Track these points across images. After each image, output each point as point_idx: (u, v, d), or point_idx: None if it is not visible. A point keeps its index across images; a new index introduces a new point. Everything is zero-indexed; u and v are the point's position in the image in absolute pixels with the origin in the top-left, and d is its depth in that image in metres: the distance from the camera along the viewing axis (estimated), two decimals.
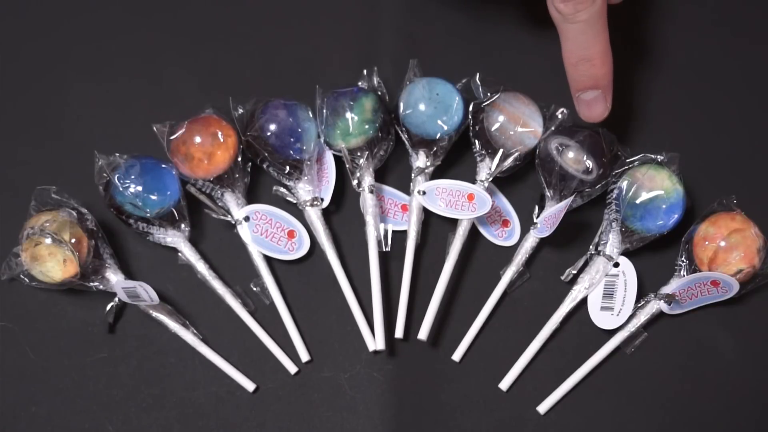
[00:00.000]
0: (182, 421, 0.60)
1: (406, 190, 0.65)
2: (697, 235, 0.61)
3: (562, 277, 0.63)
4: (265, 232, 0.62)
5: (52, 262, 0.59)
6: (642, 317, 0.61)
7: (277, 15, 0.71)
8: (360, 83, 0.65)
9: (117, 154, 0.62)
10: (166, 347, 0.61)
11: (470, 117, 0.64)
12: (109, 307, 0.60)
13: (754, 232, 0.61)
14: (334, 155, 0.64)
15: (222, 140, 0.62)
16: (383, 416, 0.60)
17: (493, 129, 0.63)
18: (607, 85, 0.61)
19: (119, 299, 0.60)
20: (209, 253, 0.63)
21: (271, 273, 0.62)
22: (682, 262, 0.62)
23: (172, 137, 0.62)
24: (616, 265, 0.62)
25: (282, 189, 0.63)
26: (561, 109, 0.64)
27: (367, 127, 0.63)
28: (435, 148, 0.63)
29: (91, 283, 0.60)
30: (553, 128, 0.64)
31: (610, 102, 0.61)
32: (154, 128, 0.63)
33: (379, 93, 0.65)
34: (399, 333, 0.60)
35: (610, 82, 0.61)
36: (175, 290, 0.63)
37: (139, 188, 0.61)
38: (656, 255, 0.63)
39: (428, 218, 0.64)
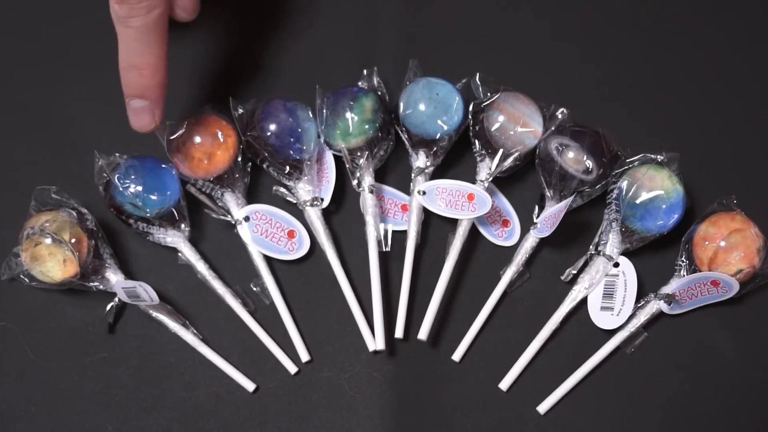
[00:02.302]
0: (182, 421, 0.60)
1: (406, 190, 0.65)
2: (697, 235, 0.61)
3: (562, 277, 0.63)
4: (265, 232, 0.62)
5: (52, 262, 0.59)
6: (642, 317, 0.61)
7: (277, 15, 0.71)
8: (360, 83, 0.65)
9: (117, 154, 0.62)
10: (166, 347, 0.61)
11: (470, 117, 0.64)
12: (109, 307, 0.60)
13: (754, 232, 0.61)
14: (334, 155, 0.64)
15: (222, 140, 0.62)
16: (383, 416, 0.60)
17: (493, 129, 0.63)
18: (156, 98, 0.58)
19: (119, 299, 0.60)
20: (209, 253, 0.63)
21: (271, 273, 0.62)
22: (682, 262, 0.62)
23: (172, 137, 0.62)
24: (616, 265, 0.62)
25: (282, 189, 0.63)
26: (561, 109, 0.64)
27: (367, 127, 0.63)
28: (435, 148, 0.63)
29: (91, 283, 0.60)
30: (553, 128, 0.64)
31: (158, 115, 0.59)
32: None
33: (379, 93, 0.65)
34: (399, 333, 0.60)
35: (160, 95, 0.59)
36: (175, 290, 0.63)
37: (139, 188, 0.61)
38: (656, 255, 0.63)
39: (428, 218, 0.64)
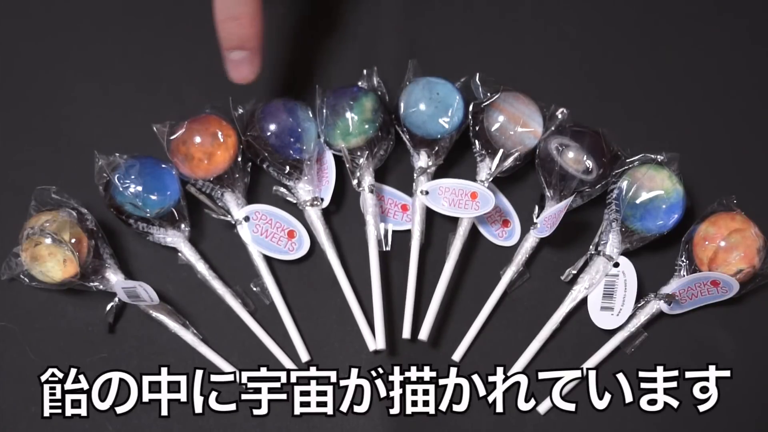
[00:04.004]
0: (182, 421, 0.59)
1: (407, 190, 0.65)
2: (697, 235, 0.61)
3: (562, 277, 0.63)
4: (265, 232, 0.62)
5: (52, 262, 0.59)
6: (642, 317, 0.61)
7: (276, 15, 0.71)
8: (360, 83, 0.65)
9: (117, 154, 0.62)
10: (166, 347, 0.61)
11: (470, 117, 0.64)
12: (109, 307, 0.60)
13: (754, 232, 0.61)
14: (334, 155, 0.64)
15: (222, 140, 0.62)
16: (383, 416, 0.60)
17: (493, 129, 0.63)
18: (255, 48, 0.59)
19: (119, 299, 0.60)
20: (209, 253, 0.63)
21: (271, 273, 0.62)
22: (682, 262, 0.62)
23: (172, 137, 0.62)
24: (616, 265, 0.62)
25: (282, 189, 0.63)
26: (561, 109, 0.64)
27: (367, 127, 0.63)
28: (436, 148, 0.63)
29: (91, 283, 0.60)
30: (553, 128, 0.64)
31: (257, 65, 0.59)
32: (154, 128, 0.63)
33: (379, 93, 0.65)
34: (406, 333, 0.60)
35: (259, 45, 0.59)
36: (175, 290, 0.63)
37: (139, 188, 0.61)
38: (656, 255, 0.63)
39: (429, 218, 0.64)
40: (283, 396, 0.60)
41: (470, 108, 0.64)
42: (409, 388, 0.60)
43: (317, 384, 0.60)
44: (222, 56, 0.60)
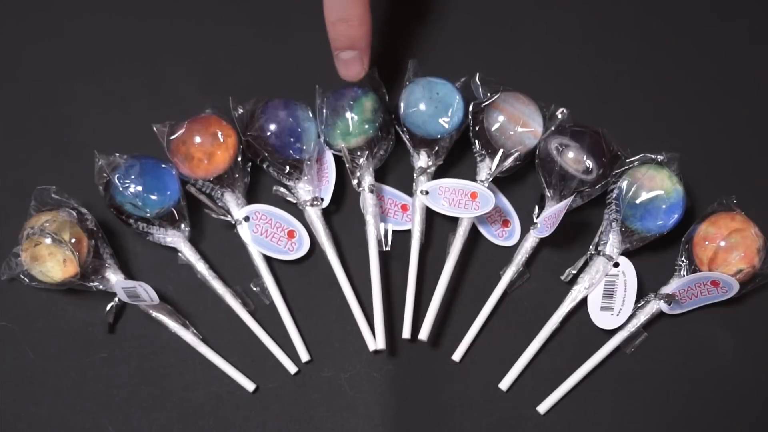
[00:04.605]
0: (182, 421, 0.60)
1: (407, 190, 0.65)
2: (697, 235, 0.61)
3: (562, 277, 0.63)
4: (265, 232, 0.62)
5: (52, 262, 0.59)
6: (642, 317, 0.61)
7: (276, 15, 0.71)
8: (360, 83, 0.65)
9: (117, 154, 0.62)
10: (166, 347, 0.61)
11: (470, 117, 0.64)
12: (109, 307, 0.60)
13: (754, 232, 0.61)
14: (334, 155, 0.64)
15: (222, 140, 0.62)
16: (383, 416, 0.60)
17: (493, 129, 0.63)
18: (364, 47, 0.62)
19: (119, 299, 0.60)
20: (209, 253, 0.63)
21: (271, 273, 0.62)
22: (682, 262, 0.62)
23: (172, 137, 0.62)
24: (616, 265, 0.62)
25: (282, 189, 0.63)
26: (561, 109, 0.64)
27: (367, 126, 0.63)
28: (436, 148, 0.63)
29: (91, 283, 0.60)
30: (553, 128, 0.64)
31: (367, 63, 0.63)
32: (154, 128, 0.63)
33: (379, 93, 0.65)
34: (406, 333, 0.60)
35: (368, 45, 0.62)
36: (175, 290, 0.63)
37: (139, 188, 0.61)
38: (656, 255, 0.63)
39: (429, 218, 0.64)
40: (283, 396, 0.60)
41: (470, 108, 0.64)
42: (409, 388, 0.61)
43: (317, 384, 0.61)
44: (332, 56, 0.63)
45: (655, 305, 0.61)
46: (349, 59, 0.62)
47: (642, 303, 0.62)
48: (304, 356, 0.61)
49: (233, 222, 0.63)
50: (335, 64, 0.63)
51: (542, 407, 0.60)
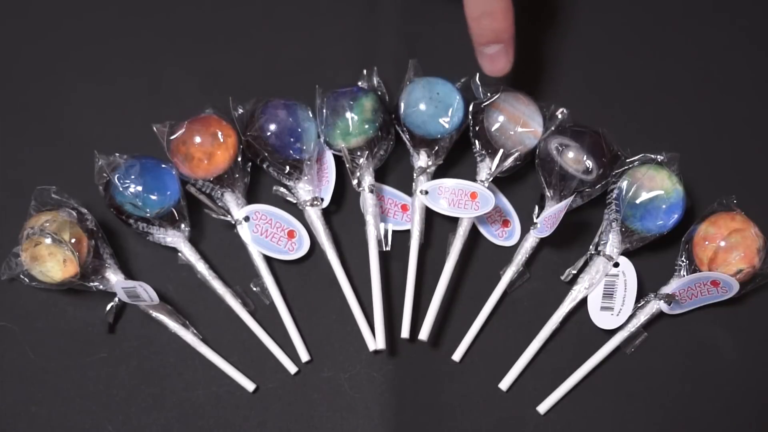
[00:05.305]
0: (182, 421, 0.60)
1: (407, 190, 0.65)
2: (697, 235, 0.61)
3: (562, 277, 0.63)
4: (265, 232, 0.62)
5: (52, 262, 0.59)
6: (642, 317, 0.61)
7: (276, 15, 0.71)
8: (360, 83, 0.65)
9: (117, 154, 0.62)
10: (166, 347, 0.61)
11: (470, 117, 0.64)
12: (109, 307, 0.60)
13: (754, 232, 0.61)
14: (334, 155, 0.64)
15: (222, 140, 0.62)
16: (383, 416, 0.60)
17: (493, 129, 0.63)
18: (508, 39, 0.61)
19: (119, 299, 0.60)
20: (209, 253, 0.63)
21: (271, 273, 0.62)
22: (682, 262, 0.62)
23: (172, 137, 0.62)
24: (616, 265, 0.62)
25: (282, 189, 0.63)
26: (561, 109, 0.64)
27: (367, 126, 0.63)
28: (436, 148, 0.63)
29: (91, 283, 0.60)
30: (553, 128, 0.64)
31: (512, 56, 0.61)
32: (154, 128, 0.63)
33: (379, 93, 0.65)
34: (405, 333, 0.60)
35: (512, 37, 0.61)
36: (175, 290, 0.63)
37: (139, 188, 0.61)
38: (656, 255, 0.63)
39: (429, 218, 0.64)
40: (283, 396, 0.60)
41: (470, 108, 0.64)
42: (409, 388, 0.61)
43: (317, 384, 0.61)
44: (476, 52, 0.61)
45: (655, 305, 0.61)
46: (495, 53, 0.61)
47: (642, 303, 0.62)
48: (304, 356, 0.61)
49: (233, 222, 0.63)
50: (478, 60, 0.62)
51: (542, 407, 0.60)
